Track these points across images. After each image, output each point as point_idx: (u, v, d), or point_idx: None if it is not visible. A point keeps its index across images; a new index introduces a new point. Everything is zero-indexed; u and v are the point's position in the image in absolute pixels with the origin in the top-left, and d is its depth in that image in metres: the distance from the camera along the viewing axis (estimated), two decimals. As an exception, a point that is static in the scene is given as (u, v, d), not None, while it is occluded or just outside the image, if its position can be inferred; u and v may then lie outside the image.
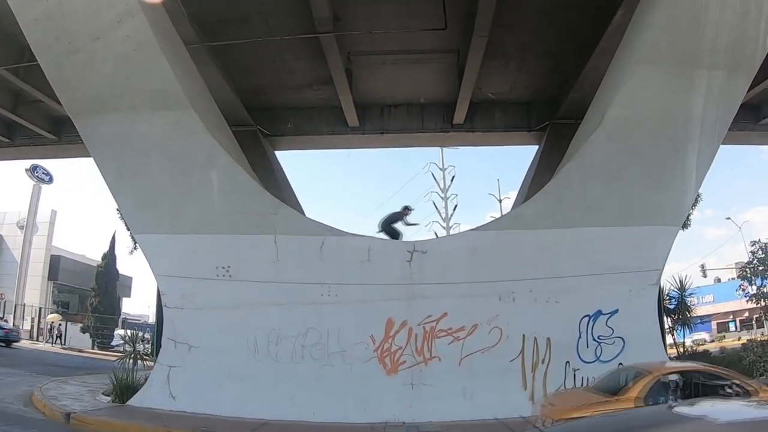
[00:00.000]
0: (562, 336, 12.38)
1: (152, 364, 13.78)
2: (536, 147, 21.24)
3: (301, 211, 18.06)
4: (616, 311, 12.48)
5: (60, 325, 36.49)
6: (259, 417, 11.64)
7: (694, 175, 12.89)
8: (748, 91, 13.27)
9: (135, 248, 18.04)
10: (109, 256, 40.38)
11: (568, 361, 12.26)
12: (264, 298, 12.60)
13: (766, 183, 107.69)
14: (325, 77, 17.64)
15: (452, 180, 37.95)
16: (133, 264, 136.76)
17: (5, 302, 41.05)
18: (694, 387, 8.79)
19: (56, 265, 46.92)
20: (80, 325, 37.66)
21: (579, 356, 12.32)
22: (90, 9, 11.58)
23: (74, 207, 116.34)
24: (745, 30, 11.83)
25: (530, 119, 20.36)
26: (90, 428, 10.73)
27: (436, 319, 12.38)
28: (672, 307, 16.99)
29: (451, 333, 12.34)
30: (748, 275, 19.74)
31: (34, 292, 43.41)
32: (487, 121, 20.40)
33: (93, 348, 34.74)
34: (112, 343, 35.00)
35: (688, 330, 17.65)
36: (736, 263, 40.12)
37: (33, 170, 42.20)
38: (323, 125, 20.61)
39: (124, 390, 12.91)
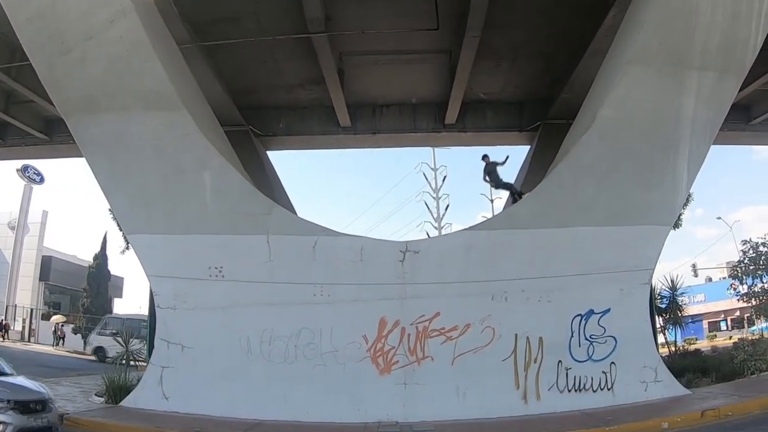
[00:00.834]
0: (555, 335, 12.41)
1: (145, 364, 13.76)
2: (528, 147, 21.29)
3: (294, 211, 18.03)
4: (608, 310, 12.53)
5: (62, 326, 36.00)
6: (252, 417, 11.64)
7: (685, 175, 12.98)
8: (738, 92, 13.40)
9: (127, 248, 18.01)
10: (101, 257, 40.23)
11: (560, 361, 12.29)
12: (257, 299, 12.58)
13: (756, 182, 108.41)
14: (316, 77, 17.64)
15: (444, 180, 38.13)
16: (124, 264, 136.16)
17: (-4, 303, 40.79)
18: None
19: (47, 265, 46.55)
20: (72, 326, 37.38)
21: (571, 355, 12.34)
22: (83, 9, 11.54)
23: (66, 207, 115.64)
24: (736, 31, 11.93)
25: (522, 119, 20.43)
26: (83, 429, 10.72)
27: (429, 319, 12.40)
28: (664, 306, 17.05)
29: (443, 333, 12.36)
30: (739, 274, 19.89)
31: (26, 292, 43.07)
32: (478, 121, 20.45)
33: (84, 349, 34.53)
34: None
35: (680, 329, 17.71)
36: (727, 262, 40.32)
37: (24, 170, 41.85)
38: (315, 125, 20.62)
39: (117, 391, 12.90)
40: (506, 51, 17.14)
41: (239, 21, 15.19)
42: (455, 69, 17.00)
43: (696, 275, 46.84)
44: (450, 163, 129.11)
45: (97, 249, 40.46)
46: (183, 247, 12.84)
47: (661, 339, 16.84)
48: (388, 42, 16.27)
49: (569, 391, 12.19)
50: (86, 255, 48.00)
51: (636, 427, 10.20)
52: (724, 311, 46.95)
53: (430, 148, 35.84)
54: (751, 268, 18.89)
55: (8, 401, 8.67)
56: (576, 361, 12.33)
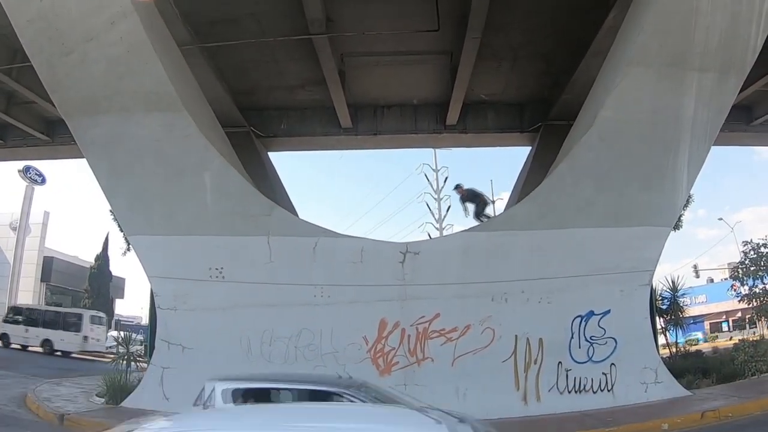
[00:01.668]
0: (555, 336, 12.41)
1: (146, 365, 13.77)
2: (529, 148, 21.30)
3: (294, 213, 18.06)
4: (608, 312, 12.53)
5: None
6: (253, 418, 11.62)
7: (685, 176, 12.96)
8: (739, 93, 13.34)
9: (128, 249, 18.00)
10: (102, 258, 40.34)
11: (560, 362, 12.30)
12: (257, 299, 12.60)
13: (757, 183, 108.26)
14: (317, 78, 17.62)
15: (445, 181, 37.91)
16: (126, 265, 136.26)
17: (-2, 304, 40.79)
18: None
19: (49, 266, 46.65)
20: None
21: (571, 356, 12.36)
22: (83, 10, 11.55)
23: (67, 208, 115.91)
24: (736, 32, 11.90)
25: (523, 120, 20.40)
26: (84, 429, 10.75)
27: (429, 320, 12.41)
28: (664, 307, 17.02)
29: (443, 334, 12.37)
30: (740, 275, 19.85)
31: (27, 293, 43.12)
32: (479, 122, 20.43)
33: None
34: (106, 345, 34.71)
35: (681, 330, 17.67)
36: (729, 263, 40.22)
37: (26, 171, 41.89)
38: (316, 126, 20.59)
39: (118, 391, 12.92)
40: (507, 52, 17.12)
41: (240, 22, 15.18)
42: (456, 70, 16.99)
43: (697, 276, 46.81)
44: (451, 165, 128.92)
45: (99, 250, 40.61)
46: (183, 248, 12.85)
47: (662, 340, 16.82)
48: (389, 43, 16.26)
49: (569, 392, 12.20)
50: (88, 256, 48.21)
51: (636, 428, 10.21)
52: (726, 312, 46.87)
53: (431, 150, 35.82)
54: (752, 269, 18.86)
55: None
56: (576, 362, 12.34)
